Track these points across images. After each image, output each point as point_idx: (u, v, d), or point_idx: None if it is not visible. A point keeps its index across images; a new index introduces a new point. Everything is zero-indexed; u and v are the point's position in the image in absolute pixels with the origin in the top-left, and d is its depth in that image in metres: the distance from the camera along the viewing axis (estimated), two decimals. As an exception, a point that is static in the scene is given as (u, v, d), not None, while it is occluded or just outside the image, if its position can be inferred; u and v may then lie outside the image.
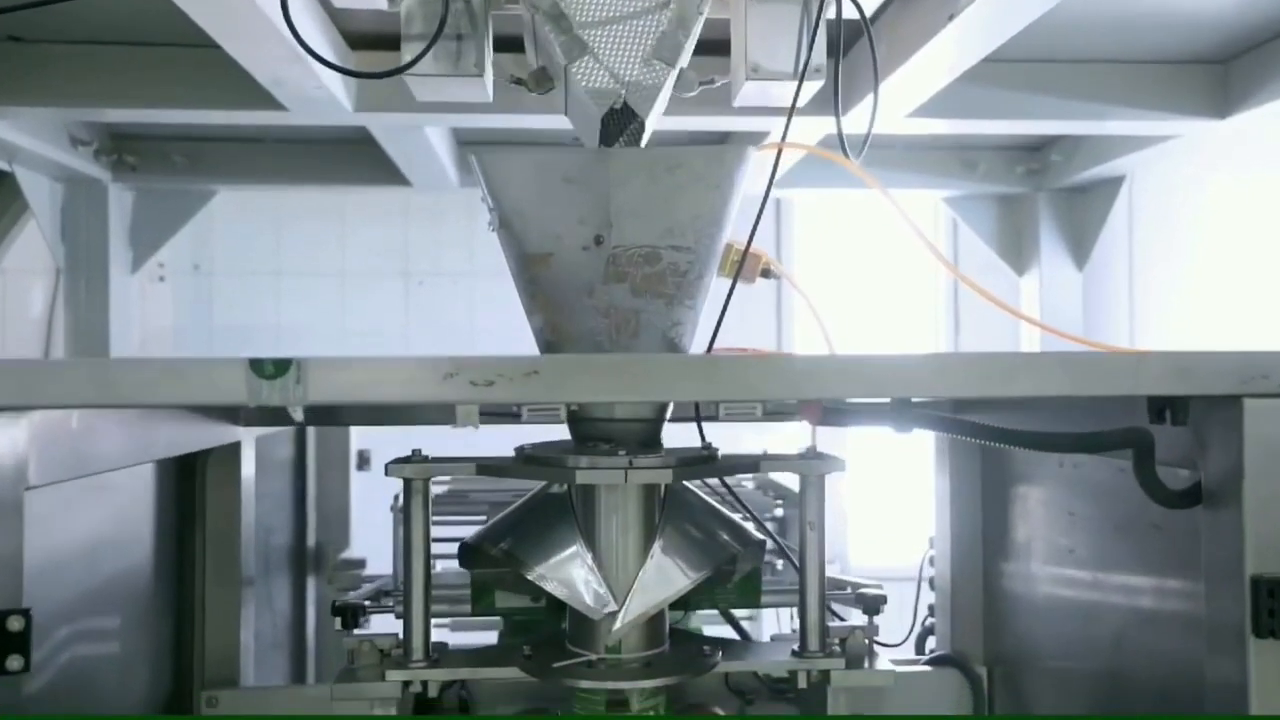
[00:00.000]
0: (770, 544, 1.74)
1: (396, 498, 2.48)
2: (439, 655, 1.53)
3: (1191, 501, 1.19)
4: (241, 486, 1.89)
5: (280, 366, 1.01)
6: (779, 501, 2.50)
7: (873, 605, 1.65)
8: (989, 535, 2.02)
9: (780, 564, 2.50)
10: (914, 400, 1.21)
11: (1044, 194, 4.17)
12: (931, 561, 2.19)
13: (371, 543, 3.02)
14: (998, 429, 1.11)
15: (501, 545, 1.53)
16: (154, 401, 1.00)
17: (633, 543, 1.48)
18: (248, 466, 1.91)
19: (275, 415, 1.90)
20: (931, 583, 2.20)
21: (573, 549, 1.48)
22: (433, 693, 1.49)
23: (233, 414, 1.85)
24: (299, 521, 2.91)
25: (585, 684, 1.43)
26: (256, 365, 1.01)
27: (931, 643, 2.17)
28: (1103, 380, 1.07)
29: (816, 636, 1.55)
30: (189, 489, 1.86)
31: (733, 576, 1.73)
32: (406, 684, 1.49)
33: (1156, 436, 1.18)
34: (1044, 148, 4.10)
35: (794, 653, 1.56)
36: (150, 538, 1.71)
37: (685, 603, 1.74)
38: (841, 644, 1.57)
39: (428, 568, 1.52)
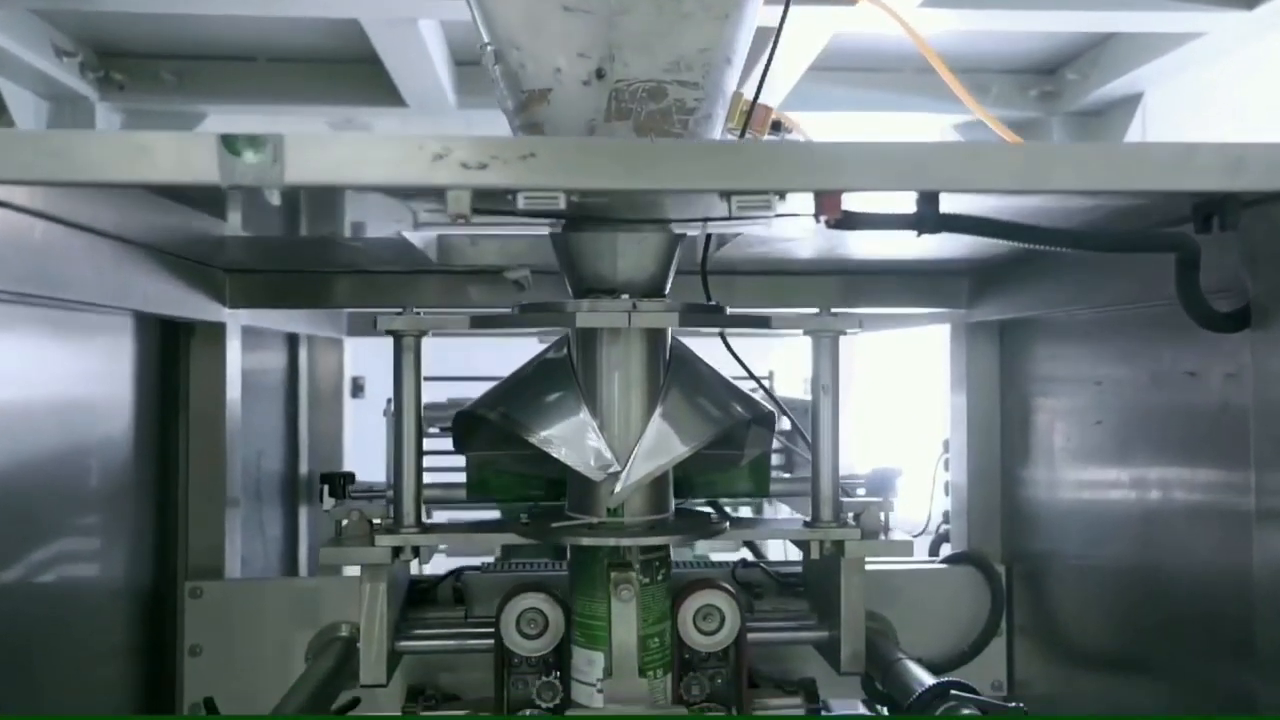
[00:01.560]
0: (779, 421, 1.65)
1: (388, 402, 2.41)
2: (431, 525, 1.45)
3: (1238, 324, 1.10)
4: (226, 370, 1.81)
5: (256, 143, 0.93)
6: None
7: (889, 480, 1.57)
8: (1007, 433, 1.94)
9: (787, 475, 2.44)
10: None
11: (1057, 119, 4.05)
12: (946, 465, 2.12)
13: (365, 472, 2.95)
14: (1031, 227, 1.03)
15: (499, 409, 1.45)
16: (117, 179, 0.91)
17: (636, 401, 1.40)
18: (233, 351, 1.83)
19: (261, 294, 1.82)
20: (946, 487, 2.12)
21: (572, 408, 1.39)
22: (424, 559, 1.42)
23: (218, 290, 1.77)
24: (291, 449, 2.83)
25: (586, 541, 1.35)
26: (230, 141, 0.93)
27: (946, 550, 2.09)
28: (1148, 173, 0.98)
29: (830, 508, 1.47)
30: (172, 378, 1.78)
31: (740, 459, 1.65)
32: (397, 551, 1.41)
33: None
34: (1059, 69, 3.99)
35: (805, 524, 1.48)
36: (129, 412, 1.63)
37: (690, 487, 1.66)
38: (856, 519, 1.49)
39: (419, 431, 1.44)
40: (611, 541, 1.34)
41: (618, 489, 1.35)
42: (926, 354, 2.39)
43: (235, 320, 1.84)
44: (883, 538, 1.48)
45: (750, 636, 1.53)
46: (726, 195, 0.98)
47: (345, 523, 1.43)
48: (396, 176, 0.95)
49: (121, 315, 1.58)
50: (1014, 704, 1.29)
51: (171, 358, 1.77)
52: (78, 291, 1.22)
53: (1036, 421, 1.83)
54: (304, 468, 2.87)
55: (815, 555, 1.46)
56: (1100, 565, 1.65)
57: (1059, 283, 1.54)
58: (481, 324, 1.41)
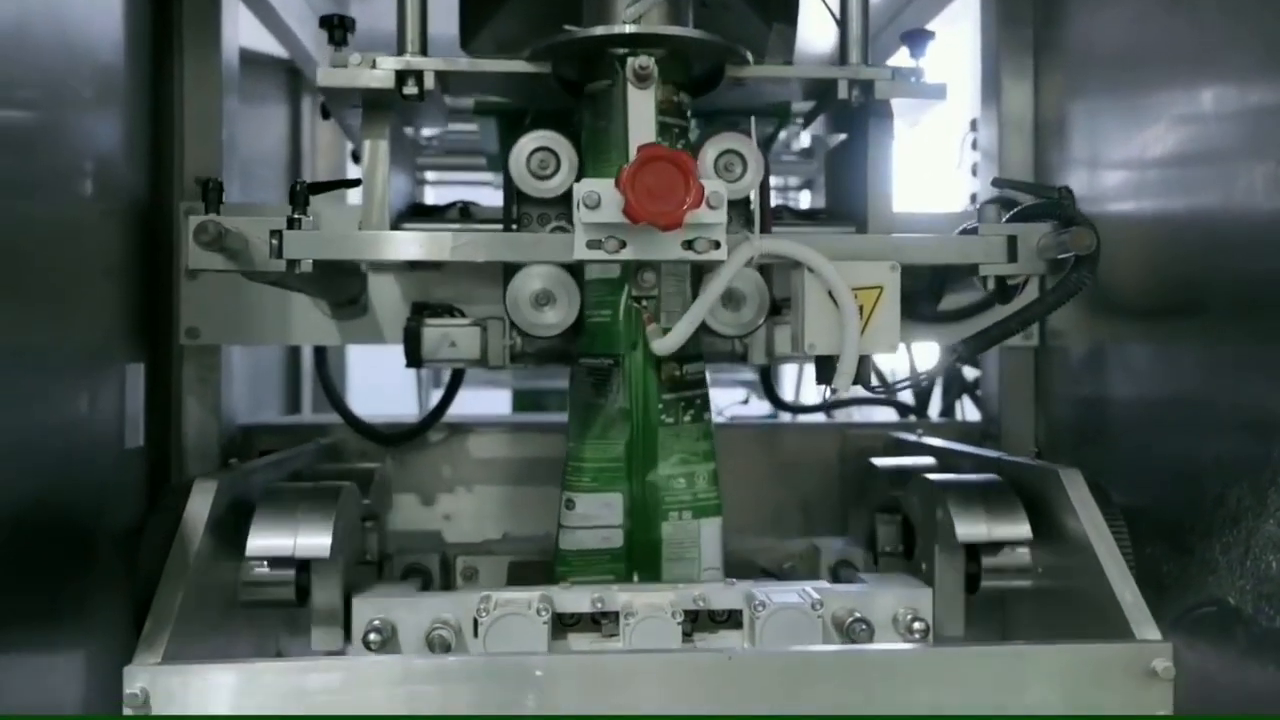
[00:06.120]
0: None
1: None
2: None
3: None
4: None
5: None
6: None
7: (919, 44, 1.48)
8: (1042, 79, 1.83)
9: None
10: None
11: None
12: (974, 145, 2.03)
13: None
14: None
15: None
16: None
17: (653, -83, 1.31)
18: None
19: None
20: (974, 168, 2.04)
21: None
22: (428, 84, 1.33)
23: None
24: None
25: (600, 31, 1.25)
26: None
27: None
28: None
29: (858, 50, 1.39)
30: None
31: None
32: (401, 83, 1.33)
33: None
34: None
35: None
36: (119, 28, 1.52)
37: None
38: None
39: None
40: (629, 28, 1.25)
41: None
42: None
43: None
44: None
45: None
46: None
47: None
48: None
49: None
50: (1059, 186, 1.20)
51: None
52: None
53: (1077, 67, 1.73)
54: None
55: (843, 95, 1.38)
56: (1144, 212, 1.55)
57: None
58: None
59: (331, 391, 1.75)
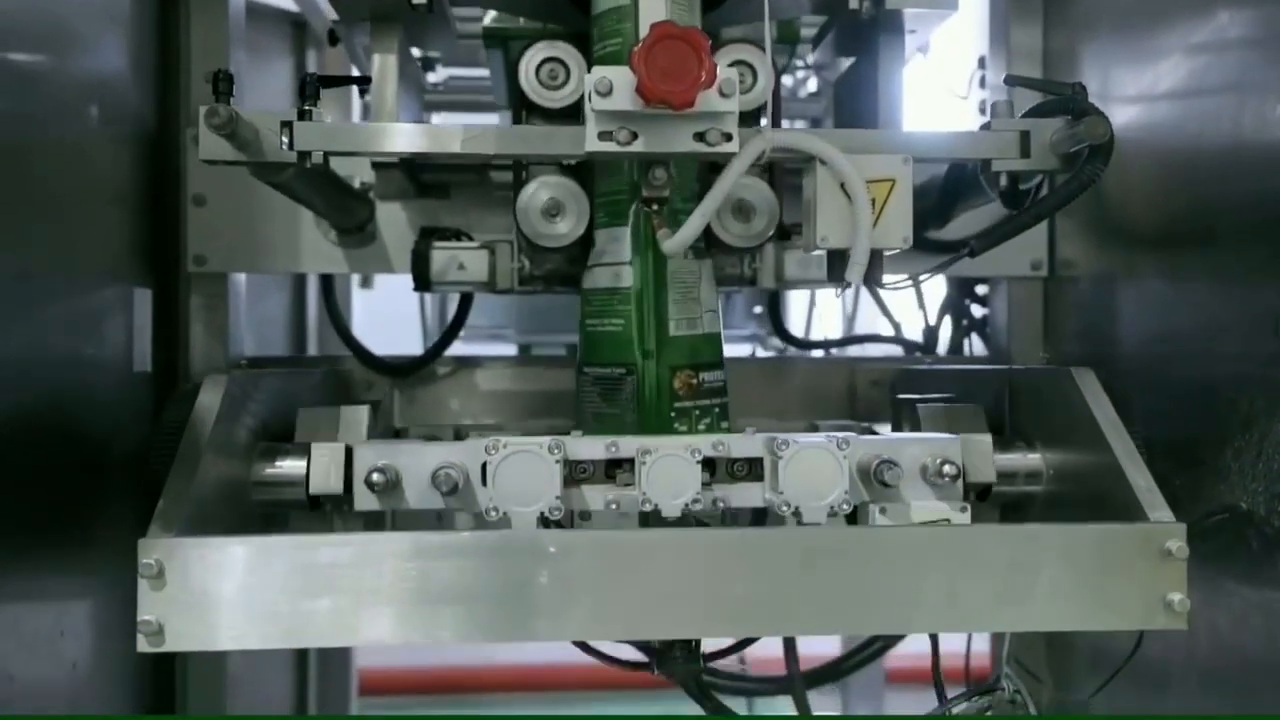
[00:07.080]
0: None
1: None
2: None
3: None
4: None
5: None
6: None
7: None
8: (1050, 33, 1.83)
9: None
10: None
11: None
12: (983, 83, 2.03)
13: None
14: None
15: None
16: None
17: None
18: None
19: None
20: (982, 106, 2.03)
21: None
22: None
23: None
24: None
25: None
26: None
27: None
28: None
29: (866, -45, 1.39)
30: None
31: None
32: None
33: None
34: None
35: (846, -20, 1.39)
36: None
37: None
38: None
39: None
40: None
41: None
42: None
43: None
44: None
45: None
46: None
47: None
48: None
49: None
50: (1073, 83, 1.18)
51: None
52: None
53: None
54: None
55: (854, 5, 1.37)
56: (1154, 141, 1.53)
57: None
58: None
59: (337, 318, 1.75)
